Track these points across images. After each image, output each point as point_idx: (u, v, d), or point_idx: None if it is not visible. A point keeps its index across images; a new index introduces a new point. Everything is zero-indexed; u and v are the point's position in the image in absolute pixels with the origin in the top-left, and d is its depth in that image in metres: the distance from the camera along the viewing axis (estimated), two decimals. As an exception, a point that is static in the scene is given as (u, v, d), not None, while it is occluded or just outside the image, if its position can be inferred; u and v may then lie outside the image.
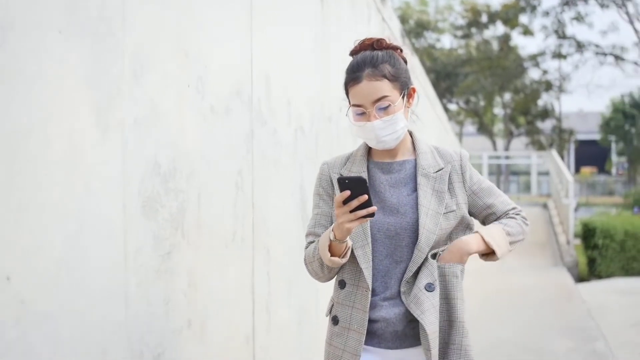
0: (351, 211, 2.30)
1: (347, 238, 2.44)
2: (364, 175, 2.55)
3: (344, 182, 2.27)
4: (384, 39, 2.57)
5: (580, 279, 15.35)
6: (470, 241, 2.54)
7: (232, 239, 3.28)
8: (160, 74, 2.62)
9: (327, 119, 4.93)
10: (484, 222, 2.71)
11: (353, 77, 2.51)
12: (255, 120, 3.56)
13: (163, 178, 2.64)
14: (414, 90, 2.60)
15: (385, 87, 2.47)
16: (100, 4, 2.26)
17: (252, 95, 3.51)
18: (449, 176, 2.58)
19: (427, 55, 38.63)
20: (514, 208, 2.69)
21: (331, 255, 2.46)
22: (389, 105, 2.48)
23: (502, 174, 39.21)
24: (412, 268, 2.50)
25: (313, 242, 2.61)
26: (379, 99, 2.47)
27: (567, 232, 17.92)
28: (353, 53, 2.59)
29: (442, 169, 2.59)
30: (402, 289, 2.50)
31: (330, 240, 2.43)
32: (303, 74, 4.47)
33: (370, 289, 2.50)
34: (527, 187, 36.18)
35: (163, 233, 2.64)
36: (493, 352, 7.51)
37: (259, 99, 3.62)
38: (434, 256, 2.53)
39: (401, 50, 2.60)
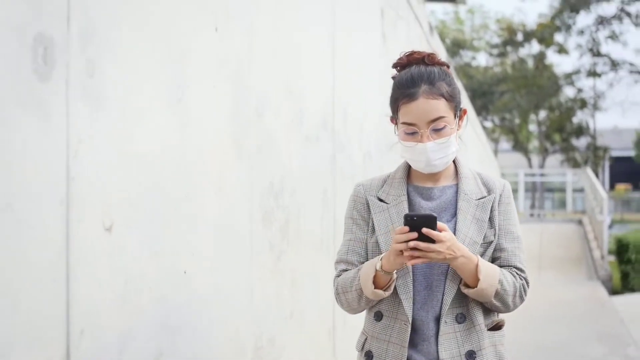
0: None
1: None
2: (403, 202, 2.41)
3: (412, 220, 2.15)
4: (435, 54, 2.40)
5: (614, 292, 15.77)
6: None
7: (320, 246, 3.90)
8: (274, 111, 3.25)
9: (388, 145, 5.55)
10: None
11: (408, 93, 2.30)
12: (336, 146, 4.18)
13: (275, 196, 3.26)
14: (465, 112, 2.43)
15: (442, 106, 2.28)
16: (236, 55, 2.88)
17: (334, 126, 4.14)
18: (492, 205, 2.39)
19: (463, 74, 39.05)
20: (522, 270, 2.40)
21: (374, 288, 2.29)
22: (445, 126, 2.29)
23: (537, 190, 39.46)
24: (447, 300, 2.32)
25: (346, 270, 2.44)
26: (435, 119, 2.28)
27: (601, 248, 18.35)
28: (399, 66, 2.41)
29: (485, 197, 2.40)
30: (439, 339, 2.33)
31: (376, 270, 2.27)
32: (370, 105, 5.09)
33: (410, 321, 2.32)
34: (562, 204, 36.39)
35: (275, 240, 3.26)
36: (537, 357, 8.06)
37: (339, 129, 4.24)
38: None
39: (448, 67, 2.42)
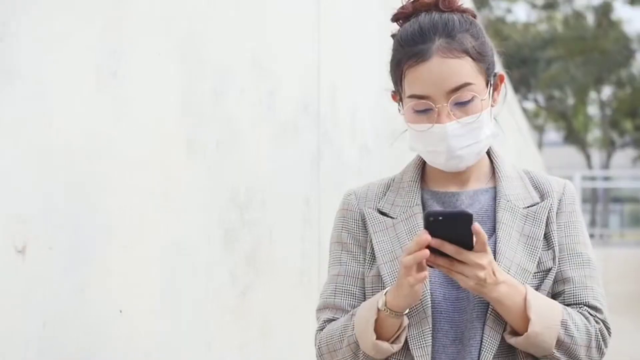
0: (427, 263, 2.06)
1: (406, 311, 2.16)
2: (417, 216, 2.30)
3: (436, 221, 2.04)
4: None
5: None
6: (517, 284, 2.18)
7: (300, 280, 4.05)
8: (238, 90, 3.39)
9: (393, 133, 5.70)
10: None
11: (415, 51, 2.19)
12: (322, 137, 4.33)
13: (240, 209, 3.40)
14: (502, 78, 2.34)
15: (467, 69, 2.18)
16: (187, 13, 3.01)
17: (319, 110, 4.28)
18: (548, 215, 2.28)
19: (494, 32, 39.23)
20: (597, 310, 2.25)
21: (376, 338, 2.15)
22: (473, 98, 2.18)
23: (600, 201, 39.77)
24: (487, 357, 2.19)
25: (333, 319, 2.32)
26: (457, 88, 2.17)
27: (691, 283, 18.63)
28: (402, 17, 2.32)
29: (537, 204, 2.29)
30: None
31: (378, 310, 2.14)
32: (368, 80, 5.25)
33: None
34: (635, 220, 36.70)
35: (239, 270, 3.40)
36: None
37: (325, 114, 4.39)
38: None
39: (474, 16, 2.32)
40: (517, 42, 39.78)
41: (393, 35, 2.32)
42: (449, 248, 2.02)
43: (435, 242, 2.02)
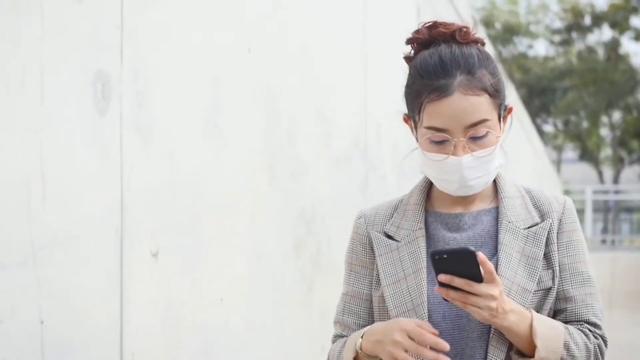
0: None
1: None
2: (420, 240, 2.15)
3: (442, 259, 1.89)
4: (468, 28, 2.11)
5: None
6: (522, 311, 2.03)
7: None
8: (305, 133, 3.87)
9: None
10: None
11: (437, 85, 2.01)
12: (368, 166, 4.80)
13: (307, 222, 3.87)
14: (510, 110, 2.16)
15: (485, 106, 2.01)
16: (268, 89, 3.50)
17: (366, 143, 4.75)
18: (548, 235, 2.11)
19: (518, 66, 39.26)
20: (597, 326, 2.11)
21: None
22: (487, 133, 2.02)
23: (611, 211, 39.64)
24: None
25: (341, 335, 2.25)
26: (475, 124, 2.01)
27: (689, 282, 18.73)
28: (417, 42, 2.14)
29: (538, 224, 2.12)
30: None
31: (357, 351, 2.05)
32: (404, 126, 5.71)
33: None
34: (642, 228, 36.51)
35: (306, 269, 3.87)
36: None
37: (372, 147, 4.86)
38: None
39: (484, 44, 2.14)
40: (537, 74, 39.69)
41: (408, 59, 2.17)
42: (458, 282, 1.88)
43: (445, 277, 1.89)
